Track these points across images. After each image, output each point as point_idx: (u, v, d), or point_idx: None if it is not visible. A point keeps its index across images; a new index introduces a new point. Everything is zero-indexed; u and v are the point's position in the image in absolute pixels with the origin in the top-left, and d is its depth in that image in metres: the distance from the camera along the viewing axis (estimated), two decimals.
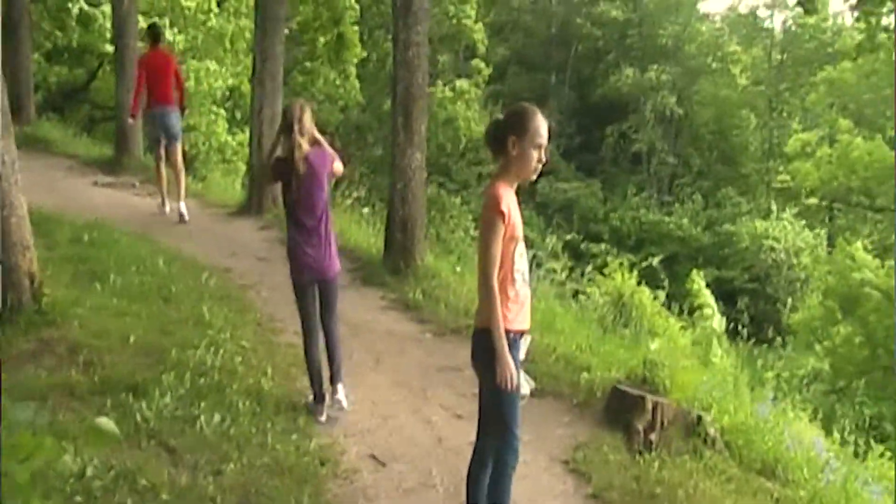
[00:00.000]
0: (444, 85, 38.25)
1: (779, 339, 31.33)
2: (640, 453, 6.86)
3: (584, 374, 7.98)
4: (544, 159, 4.95)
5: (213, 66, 26.01)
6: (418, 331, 9.35)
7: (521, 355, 5.06)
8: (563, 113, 52.28)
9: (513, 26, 54.94)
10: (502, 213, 4.83)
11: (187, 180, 18.40)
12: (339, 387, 7.20)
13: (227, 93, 26.44)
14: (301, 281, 7.06)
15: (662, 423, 7.01)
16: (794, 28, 54.80)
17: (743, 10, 65.29)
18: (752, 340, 21.85)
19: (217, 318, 8.69)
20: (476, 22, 39.64)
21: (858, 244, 31.03)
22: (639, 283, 15.02)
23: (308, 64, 25.66)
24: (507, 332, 4.88)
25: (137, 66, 14.17)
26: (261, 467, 5.99)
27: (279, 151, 7.02)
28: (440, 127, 35.31)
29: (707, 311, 20.15)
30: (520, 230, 4.96)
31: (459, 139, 36.39)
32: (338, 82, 29.34)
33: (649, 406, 7.02)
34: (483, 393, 5.14)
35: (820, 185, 33.26)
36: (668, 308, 16.03)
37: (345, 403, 7.17)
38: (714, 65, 53.21)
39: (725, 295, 39.68)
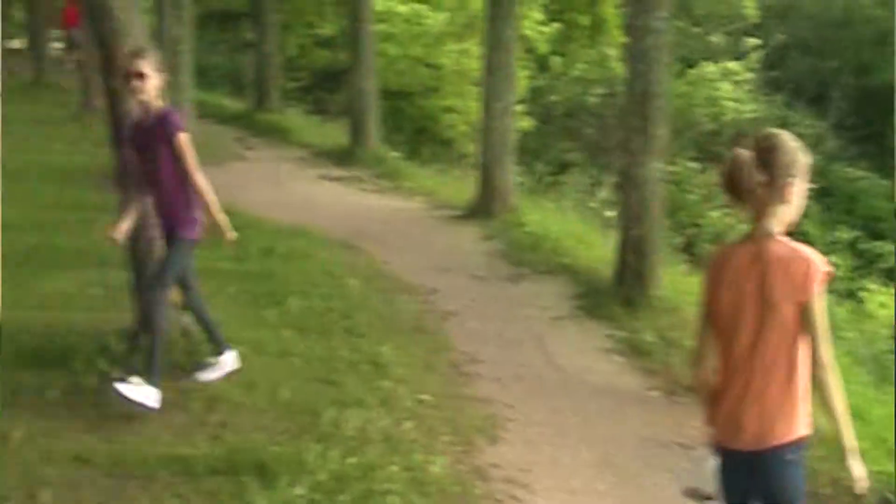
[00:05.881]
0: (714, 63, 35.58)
1: None
2: None
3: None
4: None
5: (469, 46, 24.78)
6: (643, 386, 7.55)
7: None
8: (844, 100, 48.42)
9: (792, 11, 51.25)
10: None
11: (421, 173, 17.21)
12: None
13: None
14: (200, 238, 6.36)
15: None
16: None
17: None
18: None
19: (400, 360, 7.28)
20: None
21: None
22: None
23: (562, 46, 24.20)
24: None
25: None
26: None
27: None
28: (698, 105, 32.61)
29: None
30: None
31: (721, 118, 33.31)
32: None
33: None
34: None
35: None
36: None
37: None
38: None
39: None
